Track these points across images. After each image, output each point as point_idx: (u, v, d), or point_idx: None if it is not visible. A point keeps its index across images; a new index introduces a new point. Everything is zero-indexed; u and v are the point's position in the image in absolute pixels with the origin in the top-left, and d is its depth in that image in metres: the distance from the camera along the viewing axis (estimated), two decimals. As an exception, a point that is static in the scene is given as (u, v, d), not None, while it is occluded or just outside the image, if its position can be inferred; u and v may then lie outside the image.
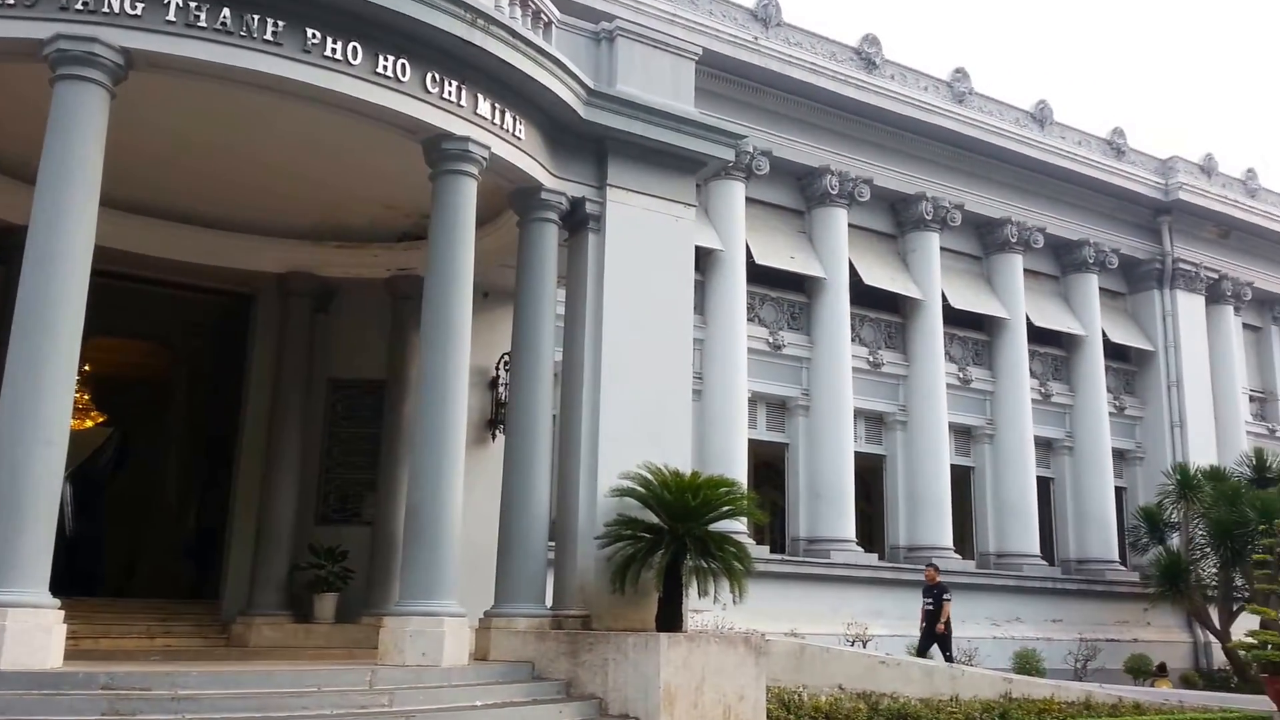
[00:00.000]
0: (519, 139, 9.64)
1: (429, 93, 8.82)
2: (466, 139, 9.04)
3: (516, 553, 9.75)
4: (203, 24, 7.90)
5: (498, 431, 11.91)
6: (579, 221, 10.50)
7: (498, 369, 12.18)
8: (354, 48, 8.41)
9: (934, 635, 16.01)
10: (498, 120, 9.38)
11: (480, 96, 9.20)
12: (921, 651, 15.90)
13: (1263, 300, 26.50)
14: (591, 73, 10.36)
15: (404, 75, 8.67)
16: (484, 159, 9.21)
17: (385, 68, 8.56)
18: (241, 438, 12.16)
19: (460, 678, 8.49)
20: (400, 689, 7.92)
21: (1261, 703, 15.01)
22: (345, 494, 12.19)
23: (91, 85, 7.70)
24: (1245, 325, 26.30)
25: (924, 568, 17.20)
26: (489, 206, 10.12)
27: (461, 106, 9.04)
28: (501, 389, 11.93)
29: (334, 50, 8.32)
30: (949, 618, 16.16)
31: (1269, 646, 15.69)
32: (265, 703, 7.27)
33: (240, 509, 11.92)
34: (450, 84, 8.95)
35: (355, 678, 7.93)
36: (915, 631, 17.47)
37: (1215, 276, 24.82)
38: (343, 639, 11.12)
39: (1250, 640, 16.37)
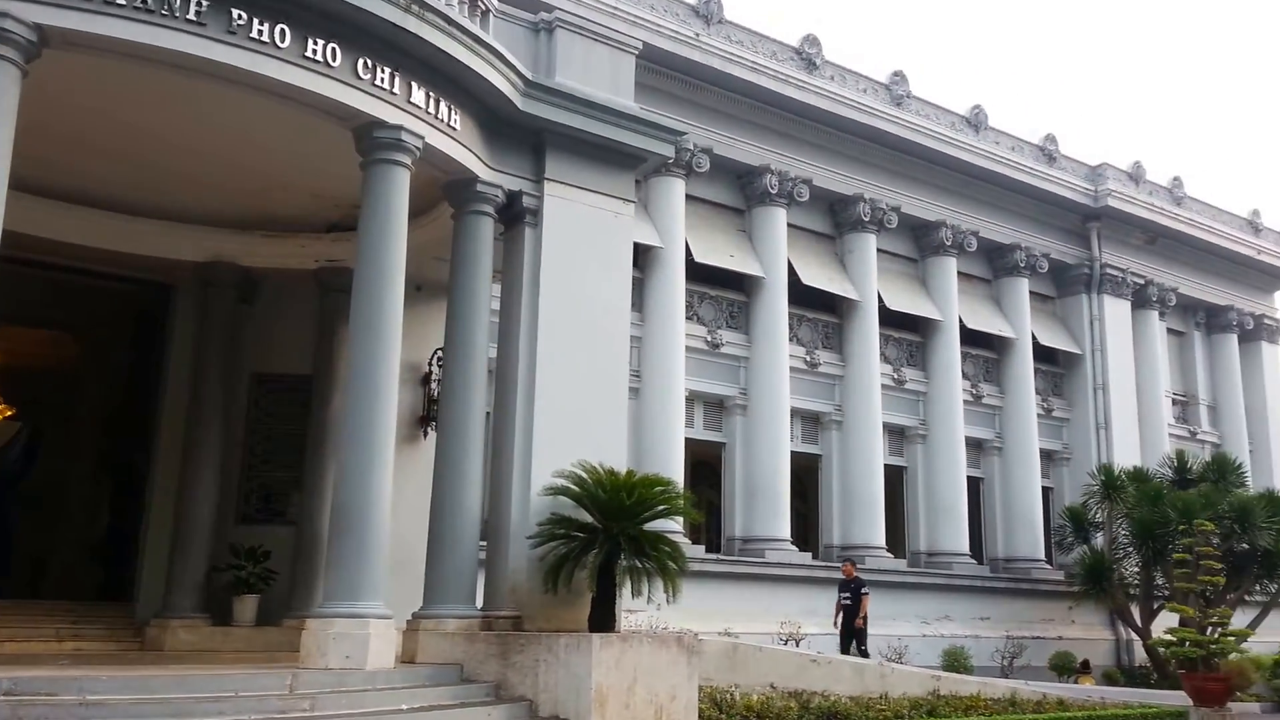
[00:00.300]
0: (454, 129, 9.44)
1: (360, 79, 8.58)
2: (399, 128, 8.82)
3: (447, 552, 9.58)
4: (121, 1, 7.56)
5: (429, 429, 11.68)
6: (515, 215, 10.33)
7: (430, 365, 11.93)
8: (282, 30, 8.13)
9: (853, 630, 16.05)
10: (432, 109, 9.16)
11: (414, 84, 8.98)
12: (843, 648, 16.01)
13: (1186, 306, 27.23)
14: (530, 64, 10.19)
15: (334, 60, 8.41)
16: (417, 149, 9.00)
17: (315, 52, 8.29)
18: (159, 434, 11.72)
19: (385, 681, 8.31)
20: (322, 693, 7.72)
21: (1179, 698, 15.44)
22: (268, 493, 11.84)
23: (2, 63, 7.33)
24: (1169, 330, 27.02)
25: (844, 566, 17.37)
26: (423, 198, 9.90)
27: (394, 94, 8.81)
28: (434, 385, 11.69)
29: (261, 32, 8.03)
30: (866, 613, 16.27)
31: (1187, 644, 16.13)
32: (179, 708, 7.04)
33: (156, 508, 11.50)
34: (383, 71, 8.71)
35: (274, 682, 7.71)
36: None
37: (1141, 282, 25.43)
38: (263, 642, 10.80)
39: (1169, 638, 16.79)
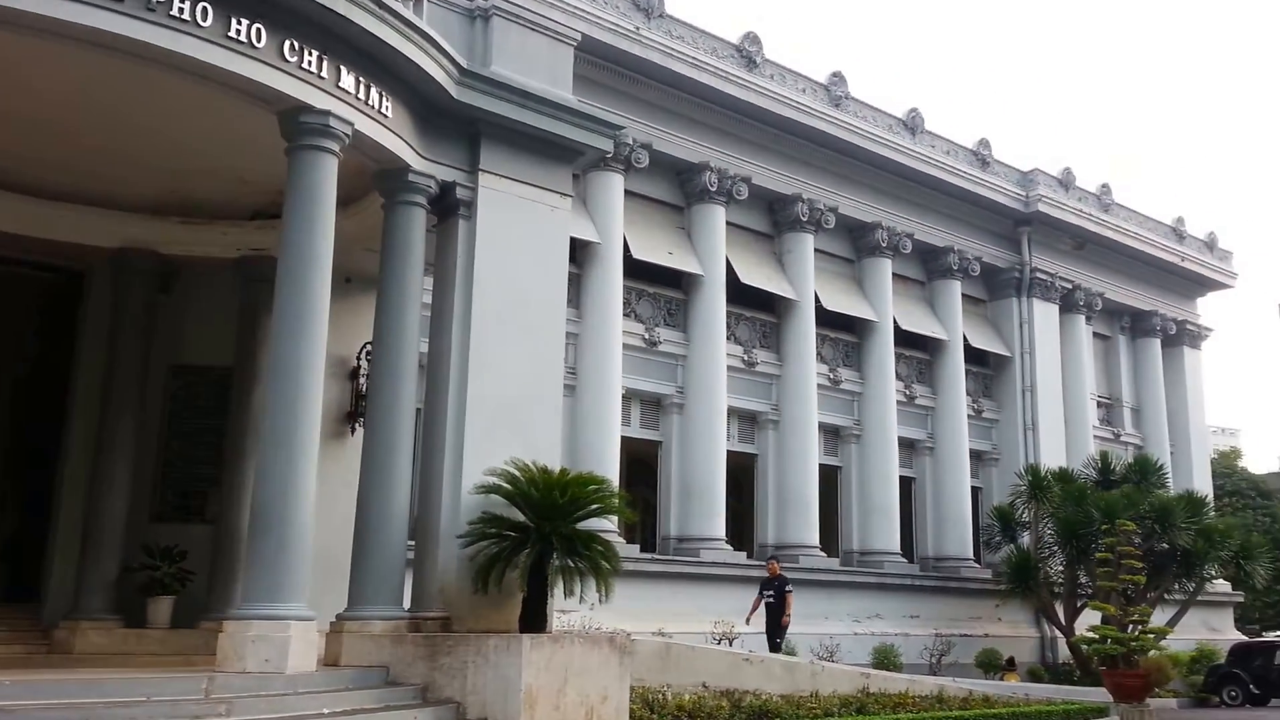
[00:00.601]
0: (385, 116, 9.19)
1: (287, 61, 8.29)
2: (327, 113, 8.55)
3: (373, 552, 9.35)
4: (31, -27, 7.18)
5: (357, 425, 11.39)
6: (449, 207, 10.11)
7: (359, 359, 11.62)
8: (204, 8, 7.82)
9: (780, 628, 16.05)
10: (362, 95, 8.91)
11: (344, 69, 8.72)
12: (771, 644, 15.96)
13: (1112, 311, 27.87)
14: (465, 52, 9.97)
15: (259, 41, 8.11)
16: (346, 135, 8.74)
17: (239, 32, 7.99)
18: (70, 428, 11.23)
19: (307, 685, 8.09)
20: (239, 697, 7.48)
21: (1100, 694, 15.81)
22: (186, 490, 11.42)
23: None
24: (1095, 334, 27.63)
25: (768, 563, 17.32)
26: (353, 186, 9.64)
27: (323, 78, 8.54)
28: (362, 380, 11.41)
29: (181, 10, 7.70)
30: (791, 611, 16.25)
31: (1108, 641, 16.50)
32: (88, 714, 6.76)
33: (66, 505, 11.01)
34: (311, 54, 8.44)
35: (190, 686, 7.45)
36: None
37: (1069, 286, 25.95)
38: (179, 645, 10.43)
39: (1091, 635, 17.17)
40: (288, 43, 8.30)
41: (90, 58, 7.90)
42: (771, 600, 16.23)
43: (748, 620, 16.35)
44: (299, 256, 8.59)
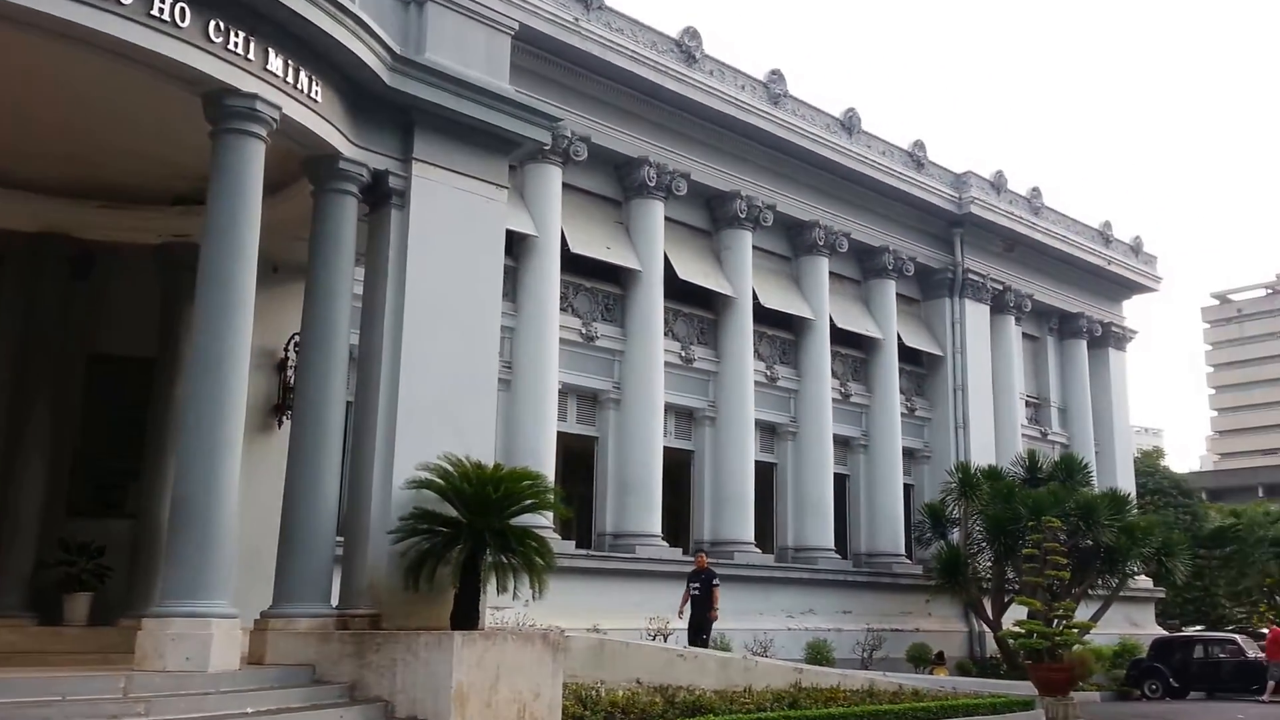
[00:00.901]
0: (315, 101, 8.96)
1: (212, 42, 8.04)
2: (254, 96, 8.32)
3: (300, 548, 9.15)
4: (-64, -60, 6.85)
5: (284, 418, 11.12)
6: (381, 196, 9.91)
7: (286, 350, 11.36)
8: (125, -15, 7.54)
9: (705, 622, 16.01)
10: (291, 79, 8.68)
11: (272, 51, 8.48)
12: (692, 638, 15.90)
13: (1041, 312, 28.47)
14: (399, 38, 9.77)
15: (183, 20, 7.84)
16: (273, 120, 8.51)
17: (161, 10, 7.70)
18: (-21, 418, 10.81)
19: (230, 684, 7.90)
20: (159, 697, 7.29)
21: (1026, 688, 16.11)
22: (104, 483, 11.09)
23: None
24: (1025, 335, 28.23)
25: (696, 556, 17.33)
26: (281, 173, 9.39)
27: (250, 61, 8.30)
28: (290, 372, 11.14)
29: (100, -15, 7.42)
30: (717, 605, 16.23)
31: (1034, 636, 16.87)
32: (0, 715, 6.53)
33: (-24, 498, 10.60)
34: (237, 35, 8.19)
35: (107, 685, 7.25)
36: (718, 625, 17.67)
37: (1000, 288, 26.45)
38: (97, 643, 10.08)
39: (1018, 630, 17.55)
40: (213, 23, 8.05)
41: (2, 35, 7.57)
42: (698, 593, 16.18)
43: (679, 614, 16.36)
44: (223, 244, 8.35)
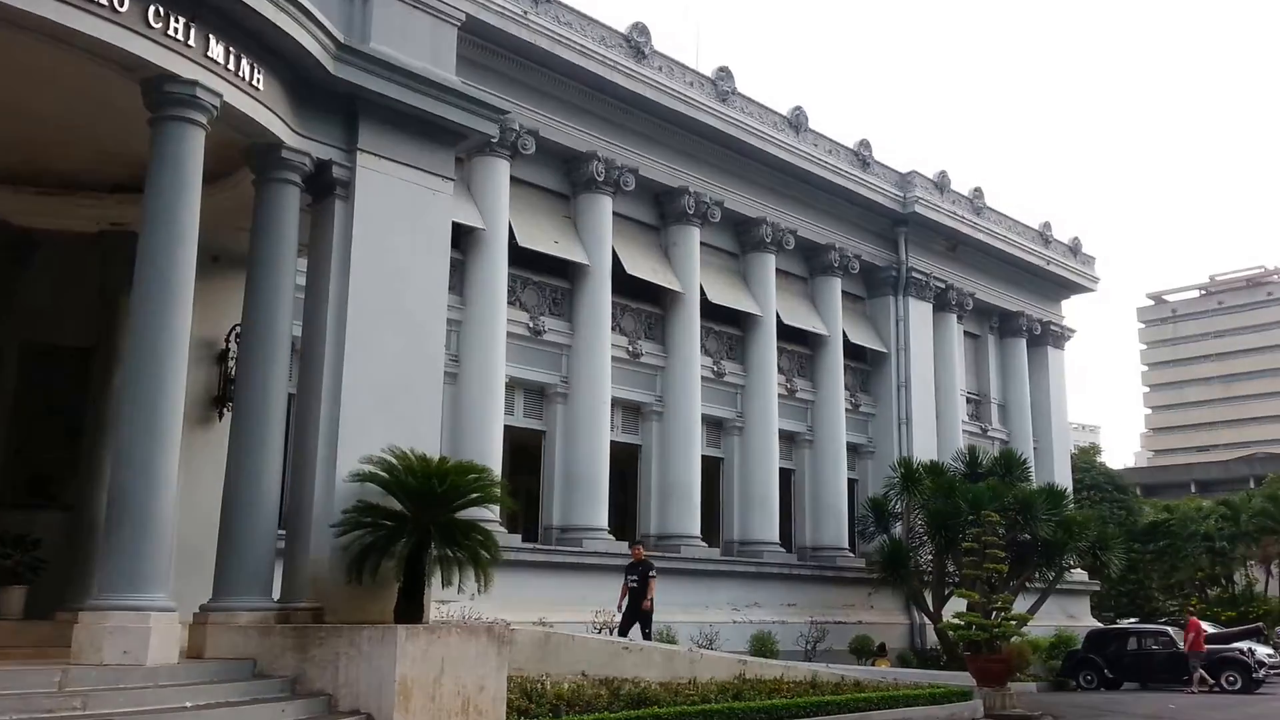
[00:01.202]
0: (257, 89, 8.87)
1: (151, 27, 7.93)
2: (194, 83, 8.21)
3: (240, 541, 9.07)
4: None
5: (225, 409, 10.98)
6: (325, 186, 9.83)
7: (227, 341, 11.20)
8: (61, -33, 7.39)
9: (638, 613, 16.02)
10: (233, 66, 8.58)
11: (213, 38, 8.38)
12: (625, 630, 15.87)
13: (982, 311, 28.97)
14: (344, 27, 9.70)
15: (121, 5, 7.72)
16: (214, 107, 8.41)
17: (100, -6, 7.58)
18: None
19: (168, 677, 7.82)
20: (96, 691, 7.23)
21: (965, 678, 16.44)
22: (40, 475, 10.83)
23: None
24: (966, 333, 28.72)
25: (633, 548, 17.20)
26: (222, 161, 9.29)
27: (190, 47, 8.19)
28: (231, 363, 11.00)
29: (36, -33, 7.27)
30: (653, 596, 16.19)
31: (973, 627, 17.20)
32: (-72, 709, 6.40)
33: (-94, 489, 10.34)
34: (177, 20, 8.09)
35: (42, 679, 7.16)
36: (664, 618, 17.77)
37: (943, 286, 26.88)
38: (33, 637, 9.86)
39: (958, 622, 17.87)
40: (153, 8, 7.94)
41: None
42: (635, 585, 16.10)
43: (619, 607, 16.31)
44: (162, 232, 8.25)
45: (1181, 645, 22.33)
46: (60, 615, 9.85)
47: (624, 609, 16.20)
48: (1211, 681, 21.45)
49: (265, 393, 9.29)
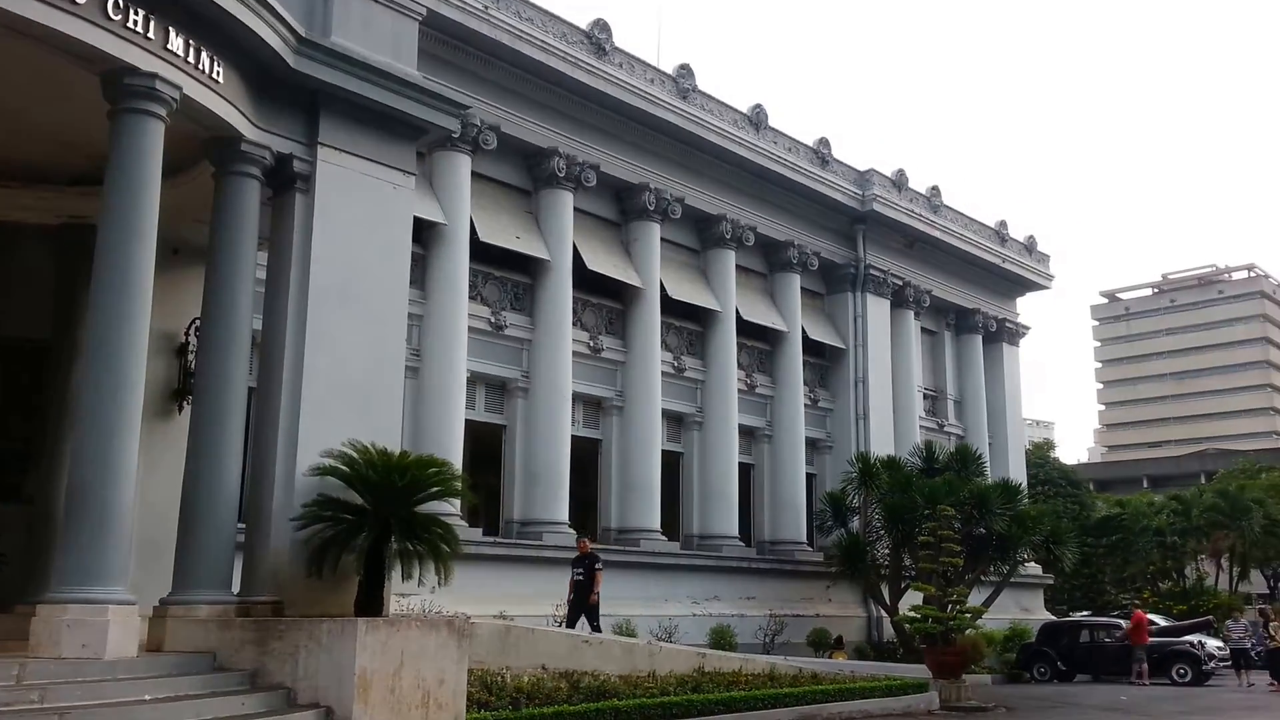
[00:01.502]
0: (217, 82, 8.85)
1: (111, 20, 7.90)
2: (153, 75, 8.19)
3: (200, 534, 9.07)
4: None
5: (185, 403, 10.93)
6: (285, 179, 9.83)
7: (187, 334, 11.16)
8: (19, -41, 7.35)
9: (585, 606, 16.03)
10: (192, 59, 8.56)
11: (172, 31, 8.36)
12: (571, 622, 15.91)
13: (939, 308, 29.37)
14: (304, 20, 9.69)
15: (80, -4, 7.68)
16: (174, 100, 8.39)
17: (58, -15, 7.54)
18: None
19: (127, 670, 7.83)
20: (54, 684, 7.20)
21: (921, 670, 16.68)
22: (-1, 468, 10.72)
23: None
24: (923, 329, 29.10)
25: (579, 542, 17.21)
26: (182, 154, 9.24)
27: (149, 39, 8.17)
28: (191, 356, 10.95)
29: (-7, -42, 7.22)
30: (599, 589, 16.17)
31: (929, 620, 17.46)
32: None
33: None
34: (136, 13, 8.06)
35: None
36: (623, 611, 17.91)
37: (900, 283, 27.22)
38: (-9, 631, 9.80)
39: (914, 615, 18.14)
40: (112, 0, 7.90)
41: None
42: (581, 578, 16.09)
43: (568, 603, 16.21)
44: (121, 226, 8.22)
45: (1147, 638, 22.74)
46: (19, 608, 9.74)
47: (570, 602, 16.17)
48: (1137, 676, 21.80)
49: (225, 386, 9.29)
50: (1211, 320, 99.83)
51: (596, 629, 15.82)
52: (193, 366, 10.59)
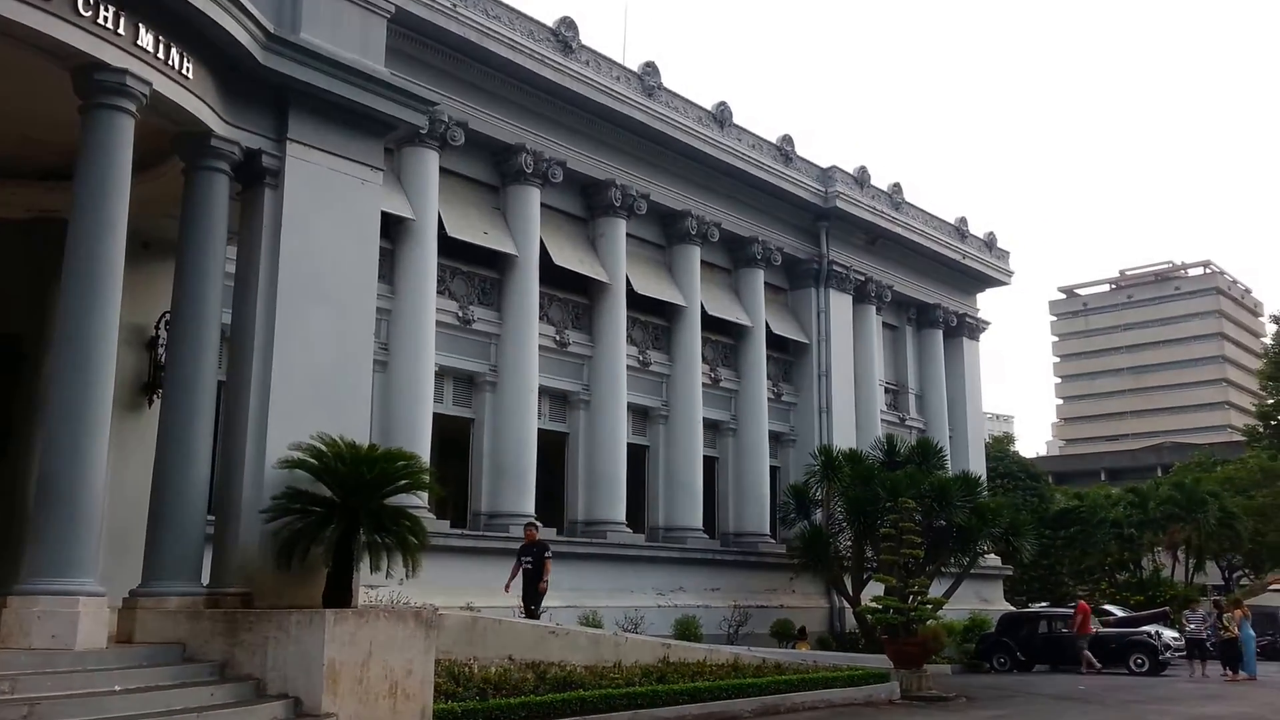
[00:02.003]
0: (186, 77, 8.90)
1: (81, 15, 7.94)
2: (124, 71, 8.24)
3: (170, 526, 9.12)
4: None
5: (155, 396, 10.95)
6: (255, 175, 9.89)
7: (157, 328, 11.16)
8: (-14, -46, 7.38)
9: (534, 593, 15.93)
10: (162, 55, 8.61)
11: (142, 26, 8.41)
12: (530, 613, 15.77)
13: (900, 303, 29.77)
14: (273, 17, 9.75)
15: (51, -8, 7.72)
16: (144, 95, 8.44)
17: (28, -19, 7.57)
18: None
19: (97, 662, 7.89)
20: (24, 675, 7.26)
21: (882, 661, 16.98)
22: (-34, 460, 10.65)
23: None
24: (885, 324, 29.47)
25: (526, 530, 16.97)
26: (151, 149, 9.29)
27: (120, 35, 8.21)
28: (161, 350, 10.97)
29: (-37, -45, 7.25)
30: (548, 577, 16.04)
31: (890, 611, 17.76)
32: None
33: None
34: (106, 9, 8.10)
35: (-31, 664, 7.13)
36: (590, 603, 18.09)
37: (863, 279, 27.57)
38: (-40, 622, 9.77)
39: (875, 606, 18.42)
40: (82, -4, 7.94)
41: None
42: (529, 566, 16.02)
43: (506, 589, 16.08)
44: (91, 220, 8.26)
45: (1091, 628, 23.20)
46: (-11, 601, 9.80)
47: (522, 590, 15.96)
48: (1099, 665, 22.26)
49: (195, 379, 9.34)
50: (1168, 316, 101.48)
51: (535, 615, 15.59)
52: (163, 360, 10.62)
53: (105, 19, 8.11)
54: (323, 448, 9.27)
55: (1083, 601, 24.34)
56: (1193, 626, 22.68)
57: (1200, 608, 23.10)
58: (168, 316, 10.19)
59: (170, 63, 8.70)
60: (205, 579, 9.45)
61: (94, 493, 8.08)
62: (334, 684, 8.33)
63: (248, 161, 9.77)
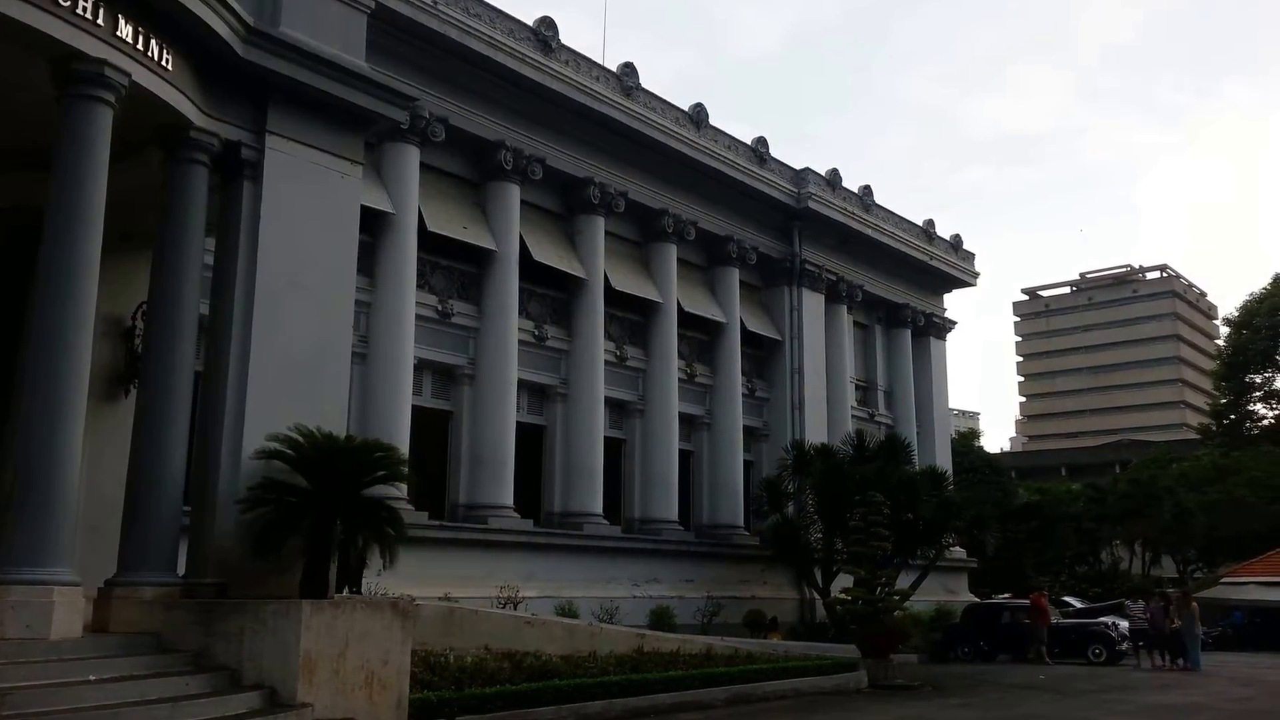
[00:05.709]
0: (166, 69, 8.92)
1: (59, 6, 7.97)
2: (102, 62, 8.26)
3: (145, 516, 9.15)
4: None
5: (131, 386, 10.94)
6: (234, 167, 9.92)
7: (134, 319, 11.16)
8: (-36, -56, 7.38)
9: None
10: (141, 46, 8.63)
11: (121, 18, 8.43)
12: None
13: (870, 302, 30.05)
14: (254, 10, 9.79)
15: (30, -19, 7.72)
16: (122, 86, 8.46)
17: (7, -30, 7.58)
18: None
19: (72, 651, 7.91)
20: (-2, 664, 7.22)
21: (851, 650, 17.22)
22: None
23: None
24: (855, 323, 29.76)
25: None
26: (130, 140, 9.29)
27: (99, 26, 8.23)
28: (137, 340, 10.96)
29: (-59, -57, 7.24)
30: None
31: (859, 602, 18.00)
32: None
33: None
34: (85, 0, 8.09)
35: (-58, 653, 7.14)
36: (566, 593, 18.21)
37: (834, 278, 27.83)
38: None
39: (845, 597, 18.66)
40: (61, -14, 7.95)
41: None
42: None
43: None
44: (68, 210, 8.28)
45: (1053, 619, 23.55)
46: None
47: None
48: (1048, 656, 22.58)
49: (172, 370, 9.35)
50: (1127, 317, 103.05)
51: None
52: (139, 350, 10.62)
53: (84, 9, 8.12)
54: (299, 439, 9.30)
55: (1036, 594, 24.57)
56: (1137, 616, 22.97)
57: (1143, 600, 23.41)
58: (144, 307, 10.19)
59: (150, 54, 8.71)
60: (181, 569, 9.47)
61: (69, 483, 8.09)
62: (310, 674, 8.37)
63: (227, 154, 9.79)
